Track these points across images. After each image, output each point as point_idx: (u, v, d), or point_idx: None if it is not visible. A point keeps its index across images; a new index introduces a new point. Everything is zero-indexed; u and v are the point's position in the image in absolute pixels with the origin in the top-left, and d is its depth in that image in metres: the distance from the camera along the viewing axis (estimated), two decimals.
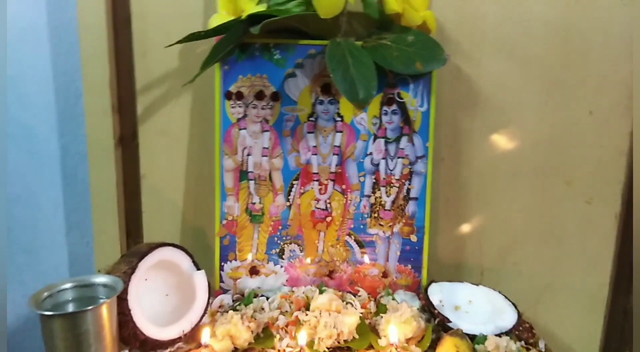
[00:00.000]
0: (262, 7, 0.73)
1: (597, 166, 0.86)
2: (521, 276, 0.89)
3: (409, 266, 0.81)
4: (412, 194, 0.80)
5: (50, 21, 0.84)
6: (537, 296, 0.90)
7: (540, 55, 0.82)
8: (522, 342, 0.69)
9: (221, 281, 0.81)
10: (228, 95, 0.78)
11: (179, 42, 0.71)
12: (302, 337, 0.63)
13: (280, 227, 0.80)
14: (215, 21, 0.73)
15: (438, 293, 0.77)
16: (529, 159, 0.85)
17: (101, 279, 0.64)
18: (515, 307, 0.76)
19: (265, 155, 0.79)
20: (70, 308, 0.62)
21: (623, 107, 0.83)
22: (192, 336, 0.70)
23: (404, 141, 0.79)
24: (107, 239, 0.88)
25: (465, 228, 0.87)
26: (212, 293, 0.79)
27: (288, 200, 0.80)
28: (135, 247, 0.71)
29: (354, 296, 0.79)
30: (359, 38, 0.78)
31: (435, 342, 0.68)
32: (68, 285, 0.63)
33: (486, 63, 0.82)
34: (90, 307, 0.57)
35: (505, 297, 0.78)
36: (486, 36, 0.81)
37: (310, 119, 0.79)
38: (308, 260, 0.81)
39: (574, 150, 0.85)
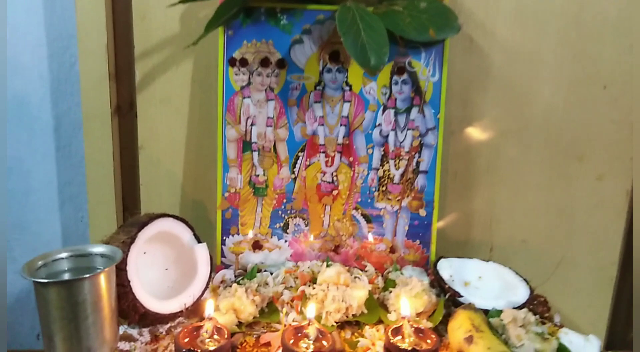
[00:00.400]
0: None
1: (609, 142, 0.84)
2: (530, 253, 0.88)
3: (417, 242, 0.79)
4: (422, 167, 0.77)
5: None
6: (546, 274, 0.88)
7: (556, 28, 0.79)
8: (537, 316, 0.67)
9: (223, 255, 0.78)
10: (232, 62, 0.74)
11: (182, 1, 0.67)
12: (311, 310, 0.60)
13: (284, 201, 0.77)
14: None
15: (448, 268, 0.75)
16: (540, 134, 0.83)
17: (99, 248, 0.61)
18: (527, 282, 0.74)
19: (270, 126, 0.76)
20: (66, 277, 0.59)
21: (638, 80, 0.81)
22: (193, 310, 0.67)
23: (414, 112, 0.76)
24: (103, 213, 0.84)
25: (475, 203, 0.85)
26: (214, 268, 0.76)
27: (293, 172, 0.77)
28: (134, 218, 0.68)
29: (362, 272, 0.76)
30: (370, 4, 0.75)
31: (446, 318, 0.66)
32: (64, 254, 0.60)
33: (500, 33, 0.79)
34: (87, 276, 0.53)
35: (516, 273, 0.76)
36: (501, 5, 0.78)
37: (318, 87, 0.75)
38: (312, 236, 0.79)
39: (586, 125, 0.83)
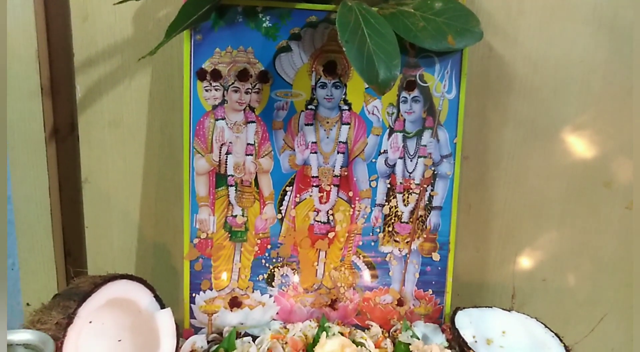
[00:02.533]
0: None
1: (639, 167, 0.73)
2: (549, 294, 0.76)
3: (430, 291, 0.66)
4: (436, 203, 0.64)
5: None
6: (567, 316, 0.78)
7: (586, 36, 0.67)
8: None
9: (192, 316, 0.62)
10: (201, 75, 0.59)
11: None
12: None
13: (269, 247, 0.63)
14: None
15: (467, 325, 0.62)
16: (565, 157, 0.72)
17: (22, 336, 0.44)
18: (560, 339, 0.63)
19: (250, 154, 0.61)
20: None
21: None
22: None
23: (426, 136, 0.63)
24: (39, 260, 0.67)
25: (490, 240, 0.73)
26: (181, 334, 0.61)
27: (279, 211, 0.62)
28: (73, 284, 0.51)
29: (364, 332, 0.63)
30: (373, 3, 0.61)
31: None
32: None
33: (522, 41, 0.67)
34: None
35: (545, 326, 0.65)
36: (524, 8, 0.66)
37: (309, 107, 0.61)
38: (303, 289, 0.64)
39: (614, 145, 0.72)
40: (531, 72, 0.68)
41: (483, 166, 0.71)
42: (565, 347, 0.61)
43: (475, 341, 0.61)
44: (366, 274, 0.65)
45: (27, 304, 0.68)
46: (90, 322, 0.54)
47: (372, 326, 0.63)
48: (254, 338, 0.61)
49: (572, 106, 0.70)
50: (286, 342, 0.59)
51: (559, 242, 0.75)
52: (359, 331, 0.62)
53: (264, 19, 0.59)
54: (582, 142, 0.72)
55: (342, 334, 0.59)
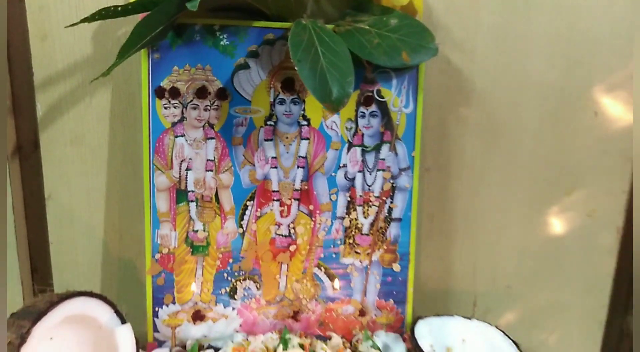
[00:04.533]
0: None
1: (600, 174, 0.75)
2: (515, 300, 0.78)
3: (391, 301, 0.67)
4: (395, 215, 0.65)
5: None
6: (530, 321, 0.79)
7: (543, 48, 0.69)
8: None
9: (156, 330, 0.63)
10: (159, 93, 0.59)
11: (86, 20, 0.52)
12: None
13: (230, 261, 0.63)
14: None
15: (427, 334, 0.64)
16: (525, 168, 0.73)
17: None
18: (518, 347, 0.64)
19: (210, 170, 0.62)
20: None
21: (630, 105, 0.73)
22: None
23: (385, 150, 0.64)
24: (4, 278, 0.68)
25: (453, 249, 0.74)
26: (145, 347, 0.62)
27: (241, 226, 0.63)
28: (30, 303, 0.52)
29: (325, 342, 0.64)
30: (329, 20, 0.62)
31: None
32: None
33: (480, 56, 0.68)
34: None
35: (504, 333, 0.66)
36: (482, 22, 0.67)
37: (268, 122, 0.62)
38: (266, 301, 0.65)
39: (575, 156, 0.74)
40: (489, 85, 0.69)
41: (444, 177, 0.72)
42: (520, 350, 0.63)
43: (434, 350, 0.62)
44: (328, 286, 0.66)
45: None
46: (51, 338, 0.54)
47: (332, 337, 0.64)
48: (217, 350, 0.62)
49: (531, 118, 0.71)
50: None
51: (521, 250, 0.76)
52: (319, 341, 0.63)
53: (221, 36, 0.59)
54: (542, 153, 0.73)
55: (301, 345, 0.61)
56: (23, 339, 0.47)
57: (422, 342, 0.62)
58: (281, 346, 0.59)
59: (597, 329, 0.82)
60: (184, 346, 0.63)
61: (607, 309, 0.81)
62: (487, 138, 0.71)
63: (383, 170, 0.64)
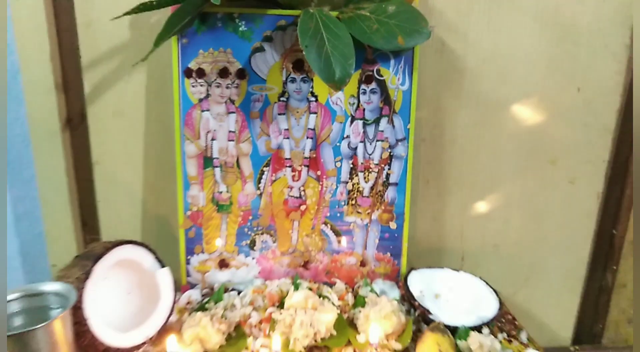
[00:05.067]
0: None
1: (582, 145, 0.83)
2: (502, 259, 0.87)
3: (388, 254, 0.77)
4: (392, 180, 0.74)
5: None
6: (518, 277, 0.89)
7: (530, 30, 0.76)
8: (505, 335, 0.67)
9: (188, 275, 0.75)
10: (188, 73, 0.69)
11: (127, 13, 0.62)
12: (277, 341, 0.59)
13: (250, 218, 0.74)
14: None
15: (418, 282, 0.74)
16: (513, 139, 0.81)
17: (52, 286, 0.57)
18: (497, 294, 0.74)
19: (232, 140, 0.72)
20: (20, 321, 0.56)
21: (613, 83, 0.79)
22: (159, 338, 0.65)
23: (383, 123, 0.73)
24: (61, 229, 0.80)
25: (446, 211, 0.84)
26: (179, 288, 0.74)
27: (258, 188, 0.74)
28: (89, 248, 0.64)
29: (331, 287, 0.75)
30: (335, 7, 0.70)
31: (416, 334, 0.65)
32: (15, 295, 0.56)
33: (473, 36, 0.76)
34: (40, 326, 0.50)
35: (487, 283, 0.76)
36: (474, 5, 0.74)
37: (281, 99, 0.71)
38: (280, 252, 0.76)
39: (559, 128, 0.81)
40: (480, 63, 0.77)
41: (439, 147, 0.80)
42: (500, 301, 0.72)
43: (423, 295, 0.72)
44: (333, 240, 0.77)
45: (54, 265, 0.81)
46: (106, 278, 0.66)
47: (337, 283, 0.75)
48: (239, 292, 0.74)
49: (518, 93, 0.79)
50: (265, 296, 0.72)
51: (508, 213, 0.85)
52: (326, 286, 0.74)
53: (240, 23, 0.68)
54: (528, 125, 0.81)
55: (310, 289, 0.72)
56: (87, 275, 0.59)
57: (413, 289, 0.72)
58: (293, 289, 0.70)
59: (577, 284, 0.91)
60: (211, 288, 0.75)
61: (586, 266, 0.90)
62: (477, 112, 0.79)
63: (382, 140, 0.73)
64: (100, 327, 0.59)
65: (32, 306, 0.57)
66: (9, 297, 0.56)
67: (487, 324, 0.67)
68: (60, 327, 0.53)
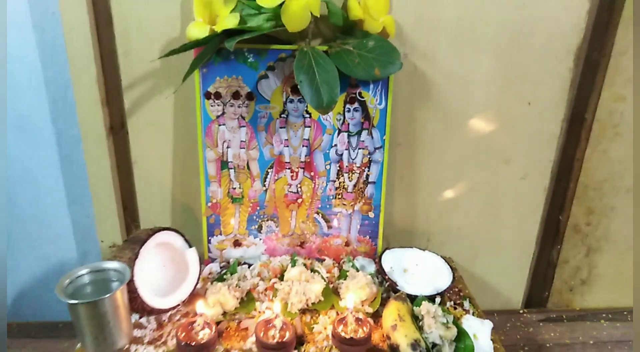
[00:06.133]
0: (235, 18, 0.79)
1: (532, 148, 0.99)
2: (463, 238, 1.06)
3: (367, 237, 0.96)
4: (371, 179, 0.93)
5: (33, 15, 0.89)
6: (476, 254, 1.08)
7: (488, 53, 0.91)
8: (452, 303, 0.87)
9: (209, 251, 0.95)
10: (207, 95, 0.86)
11: (163, 56, 0.78)
12: (277, 306, 0.79)
13: (258, 208, 0.94)
14: (193, 30, 0.80)
15: (390, 260, 0.93)
16: (474, 142, 0.98)
17: (111, 265, 0.77)
18: (452, 270, 0.93)
19: (243, 148, 0.90)
20: (88, 290, 0.76)
21: (558, 98, 0.95)
22: (189, 301, 0.86)
23: (364, 134, 0.90)
24: (107, 212, 0.99)
25: (416, 201, 1.02)
26: (203, 262, 0.94)
27: (264, 185, 0.92)
28: (136, 234, 0.84)
29: (321, 263, 0.95)
30: (325, 40, 0.86)
31: (385, 301, 0.85)
32: (85, 271, 0.76)
33: (440, 60, 0.91)
34: (107, 295, 0.70)
35: (445, 261, 0.95)
36: (441, 36, 0.89)
37: (282, 115, 0.88)
38: (282, 235, 0.96)
39: (513, 134, 0.98)
40: (446, 82, 0.92)
41: (411, 150, 0.98)
42: (453, 276, 0.92)
43: (393, 270, 0.92)
44: (324, 226, 0.96)
45: (101, 241, 1.02)
46: (147, 256, 0.87)
47: (326, 259, 0.95)
48: (249, 266, 0.94)
49: (478, 106, 0.95)
50: (269, 269, 0.92)
51: (469, 203, 1.03)
52: (317, 262, 0.95)
53: (248, 56, 0.85)
54: (486, 132, 0.97)
55: (305, 265, 0.92)
56: (136, 256, 0.79)
57: (385, 265, 0.91)
58: (291, 265, 0.90)
59: (527, 260, 1.10)
60: (228, 262, 0.96)
61: (535, 246, 1.09)
62: (444, 121, 0.96)
63: (363, 148, 0.91)
64: (146, 294, 0.80)
65: (97, 278, 0.77)
66: (81, 272, 0.77)
67: (440, 294, 0.87)
68: (120, 296, 0.73)
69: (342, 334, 0.75)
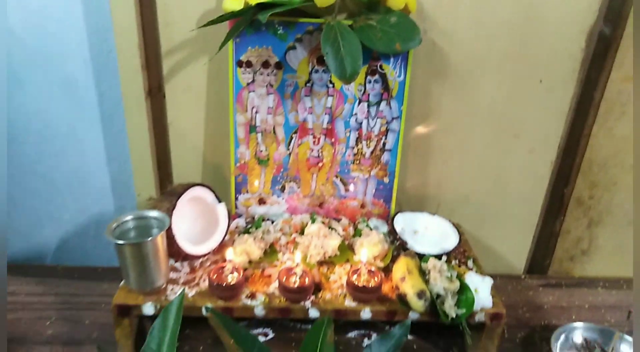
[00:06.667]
0: None
1: (541, 123, 1.05)
2: (471, 206, 1.13)
3: (382, 200, 1.04)
4: (387, 147, 1.00)
5: None
6: (482, 221, 1.15)
7: (503, 31, 0.96)
8: (457, 261, 0.95)
9: (236, 208, 1.05)
10: (239, 64, 0.94)
11: (201, 26, 0.86)
12: (298, 256, 0.88)
13: (282, 170, 1.02)
14: (229, 3, 0.87)
15: (401, 222, 1.01)
16: (485, 118, 1.04)
17: (152, 214, 0.87)
18: (459, 233, 1.01)
19: (270, 113, 0.98)
20: (132, 234, 0.86)
21: (568, 77, 1.00)
22: (218, 250, 0.95)
23: (383, 105, 0.97)
24: (143, 169, 1.08)
25: (429, 169, 1.09)
26: (231, 217, 1.03)
27: (288, 149, 1.00)
28: (172, 188, 0.93)
29: (338, 222, 1.04)
30: (350, 15, 0.92)
31: (395, 258, 0.94)
32: (129, 217, 0.86)
33: (457, 38, 0.96)
34: (149, 238, 0.80)
35: (453, 224, 1.03)
36: (459, 14, 0.94)
37: (307, 84, 0.96)
38: (303, 196, 1.04)
39: (523, 110, 1.03)
40: (462, 58, 0.98)
41: (426, 121, 1.04)
42: (460, 238, 0.99)
43: (404, 231, 1.00)
44: (341, 188, 1.04)
45: (138, 195, 1.12)
46: (182, 208, 0.96)
47: (342, 219, 1.04)
48: (272, 222, 1.03)
49: (491, 82, 1.00)
50: (291, 225, 1.01)
51: (478, 173, 1.10)
52: (334, 221, 1.03)
53: (278, 28, 0.91)
54: (498, 108, 1.03)
55: (323, 222, 1.00)
56: (173, 207, 0.88)
57: (397, 226, 1.00)
58: (310, 222, 0.99)
59: (531, 229, 1.17)
60: (253, 218, 1.05)
61: (539, 216, 1.15)
62: (458, 96, 1.02)
63: (381, 118, 0.98)
64: (181, 240, 0.90)
65: (140, 225, 0.87)
66: (126, 218, 0.86)
67: (447, 253, 0.95)
68: (160, 240, 0.83)
69: (356, 282, 0.84)
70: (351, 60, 0.86)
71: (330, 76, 0.95)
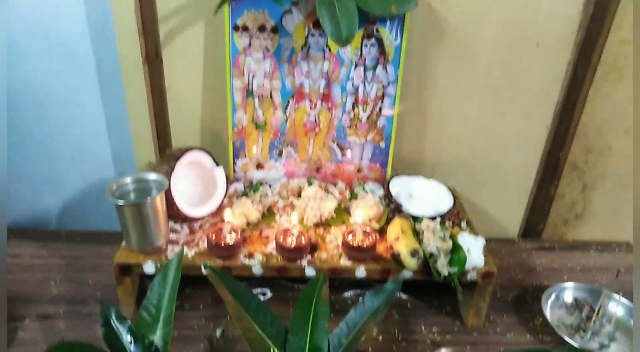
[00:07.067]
0: None
1: (538, 88, 1.05)
2: (466, 171, 1.15)
3: (377, 165, 1.06)
4: (383, 112, 1.01)
5: None
6: (478, 185, 1.17)
7: None
8: (451, 222, 0.97)
9: (234, 172, 1.06)
10: (236, 28, 0.94)
11: None
12: (294, 217, 0.90)
13: (279, 135, 1.03)
14: None
15: (397, 186, 1.03)
16: (482, 82, 1.04)
17: (152, 176, 0.88)
18: (454, 196, 1.03)
19: (267, 78, 0.98)
20: (132, 196, 0.88)
21: (565, 41, 1.00)
22: (217, 213, 0.97)
23: (379, 69, 0.97)
24: (143, 135, 1.10)
25: (425, 134, 1.10)
26: (229, 182, 1.05)
27: (285, 114, 1.01)
28: (171, 152, 0.94)
29: (334, 186, 1.05)
30: None
31: (390, 219, 0.96)
32: (129, 180, 0.88)
33: (454, 0, 0.96)
34: (148, 199, 0.82)
35: (448, 188, 1.04)
36: None
37: (304, 49, 0.96)
38: (300, 160, 1.05)
39: (519, 75, 1.03)
40: (459, 22, 0.98)
41: (422, 85, 1.05)
42: (454, 202, 1.01)
43: (399, 194, 1.02)
44: (338, 153, 1.05)
45: (138, 160, 1.13)
46: (181, 171, 0.98)
47: (339, 183, 1.06)
48: (270, 186, 1.05)
49: (489, 47, 1.00)
50: (288, 189, 1.03)
51: (474, 138, 1.11)
52: (331, 185, 1.05)
53: None
54: (494, 73, 1.03)
55: (320, 186, 1.02)
56: (172, 169, 0.90)
57: (392, 190, 1.02)
58: (307, 185, 1.01)
59: (526, 193, 1.19)
60: (251, 182, 1.07)
61: (533, 179, 1.17)
62: (454, 61, 1.02)
63: (377, 82, 0.98)
64: (180, 202, 0.92)
65: (139, 187, 0.89)
66: (126, 180, 0.88)
67: (441, 216, 0.97)
68: (159, 201, 0.85)
69: (351, 242, 0.86)
70: (347, 22, 0.86)
71: (327, 40, 0.95)
